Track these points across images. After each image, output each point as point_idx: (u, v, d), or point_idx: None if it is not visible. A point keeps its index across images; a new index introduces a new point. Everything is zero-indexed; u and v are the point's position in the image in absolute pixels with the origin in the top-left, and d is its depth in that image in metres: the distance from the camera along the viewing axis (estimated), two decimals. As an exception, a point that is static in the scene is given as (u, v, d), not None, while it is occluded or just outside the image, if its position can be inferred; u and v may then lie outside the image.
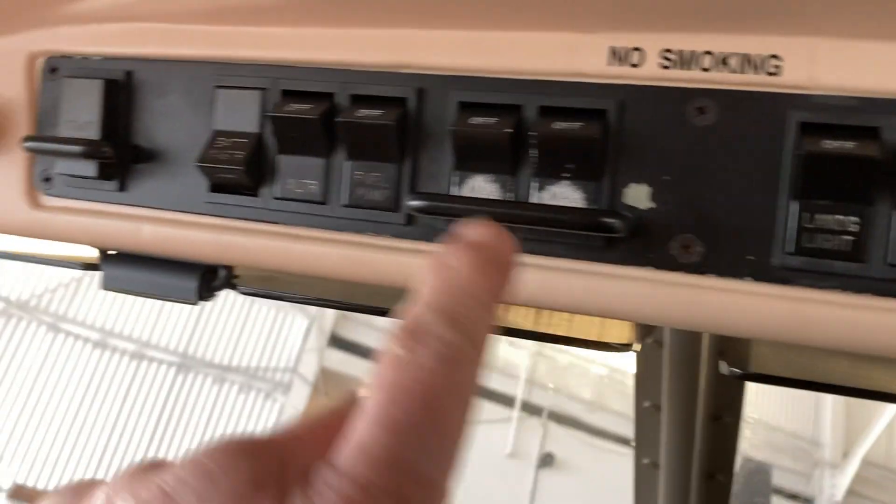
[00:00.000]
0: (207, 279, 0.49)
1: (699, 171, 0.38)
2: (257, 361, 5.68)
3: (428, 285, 0.29)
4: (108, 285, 0.50)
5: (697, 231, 0.38)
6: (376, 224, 0.43)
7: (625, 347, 0.46)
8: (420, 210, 0.40)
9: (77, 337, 5.38)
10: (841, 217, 0.36)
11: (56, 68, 0.49)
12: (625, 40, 0.39)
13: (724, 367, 0.43)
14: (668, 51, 0.38)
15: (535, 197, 0.40)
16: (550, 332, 0.48)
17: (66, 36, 0.49)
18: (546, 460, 5.90)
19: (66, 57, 0.49)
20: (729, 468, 0.67)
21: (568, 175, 0.39)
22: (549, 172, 0.39)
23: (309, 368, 5.81)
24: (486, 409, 5.41)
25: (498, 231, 0.32)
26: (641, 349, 0.56)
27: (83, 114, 0.47)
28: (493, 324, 0.30)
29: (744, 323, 0.38)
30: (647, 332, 0.49)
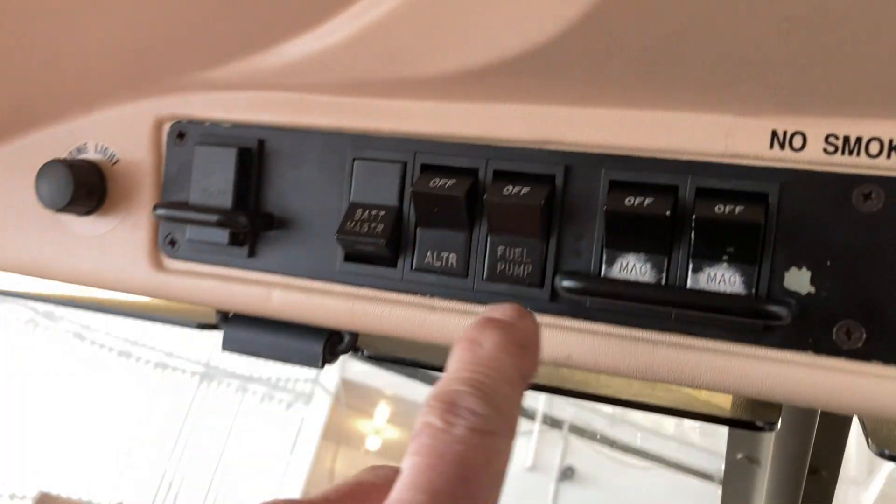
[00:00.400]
0: (332, 343, 0.49)
1: (863, 257, 0.37)
2: (279, 372, 5.69)
3: (458, 360, 0.32)
4: (229, 346, 0.50)
5: (860, 317, 0.37)
6: (518, 299, 0.42)
7: (770, 426, 0.45)
8: (573, 291, 0.40)
9: (101, 346, 5.41)
10: None
11: (184, 133, 0.49)
12: (787, 124, 0.38)
13: (873, 448, 0.42)
14: (833, 136, 0.38)
15: (691, 279, 0.39)
16: (670, 405, 0.47)
17: (195, 102, 0.49)
18: (567, 473, 5.87)
19: (194, 122, 0.49)
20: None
21: (726, 258, 0.39)
22: (707, 254, 0.39)
23: (330, 379, 5.82)
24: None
25: (523, 313, 0.35)
26: (731, 462, 0.56)
27: (215, 181, 0.47)
28: (519, 400, 0.32)
29: None
30: (766, 406, 0.48)
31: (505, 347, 0.32)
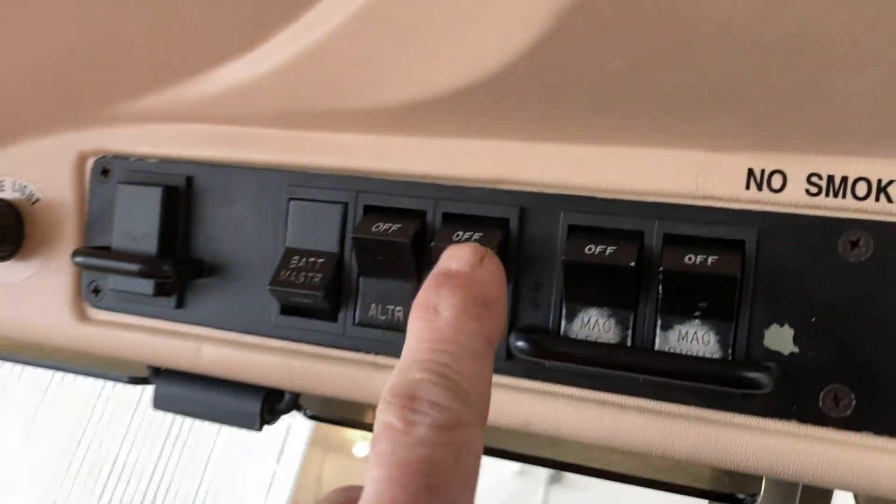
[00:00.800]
0: (271, 402, 0.44)
1: (851, 313, 0.33)
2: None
3: (414, 335, 0.28)
4: (160, 404, 0.46)
5: (849, 381, 0.33)
6: None
7: (752, 498, 0.41)
8: (526, 352, 0.35)
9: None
10: None
11: (108, 169, 0.45)
12: (765, 161, 0.34)
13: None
14: (816, 175, 0.33)
15: (659, 337, 0.35)
16: (648, 476, 0.43)
17: (120, 135, 0.44)
18: (556, 477, 5.82)
19: (119, 158, 0.45)
20: None
21: (699, 314, 0.34)
22: (678, 310, 0.35)
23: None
24: (495, 427, 5.32)
25: (481, 254, 0.31)
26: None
27: (139, 225, 0.42)
28: (489, 372, 0.28)
29: None
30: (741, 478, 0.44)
31: (465, 311, 0.28)
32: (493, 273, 0.31)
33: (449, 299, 0.29)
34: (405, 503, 0.23)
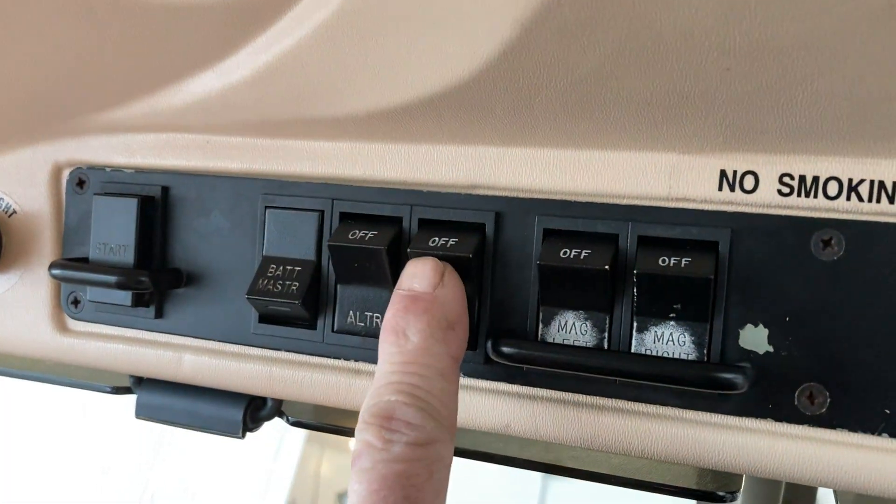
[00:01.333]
0: (253, 410, 0.44)
1: (826, 312, 0.33)
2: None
3: (386, 358, 0.31)
4: (142, 414, 0.46)
5: (824, 379, 0.33)
6: None
7: (732, 496, 0.41)
8: (504, 357, 0.35)
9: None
10: None
11: (84, 180, 0.45)
12: (737, 162, 0.34)
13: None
14: (787, 175, 0.34)
15: (635, 339, 0.35)
16: (627, 475, 0.43)
17: (95, 146, 0.44)
18: (554, 469, 5.84)
19: (94, 168, 0.44)
20: None
21: (673, 315, 0.35)
22: (653, 312, 0.35)
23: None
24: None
25: (441, 272, 0.34)
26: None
27: (116, 235, 0.42)
28: (455, 388, 0.31)
29: (879, 483, 0.33)
30: (718, 476, 0.44)
31: (432, 334, 0.31)
32: (453, 292, 0.33)
33: (416, 325, 0.31)
34: None
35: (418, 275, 0.33)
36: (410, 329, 0.31)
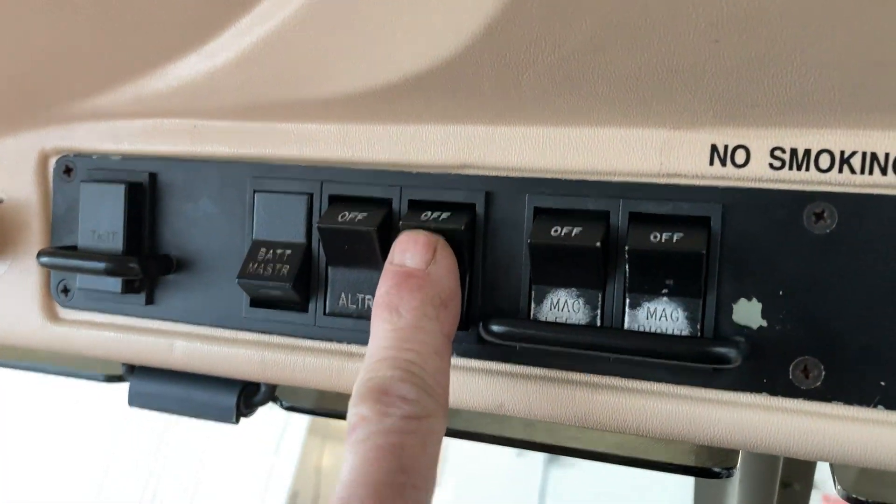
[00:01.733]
0: (247, 395, 0.44)
1: (819, 285, 0.33)
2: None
3: (380, 335, 0.31)
4: (135, 402, 0.45)
5: (818, 352, 0.33)
6: None
7: (728, 472, 0.41)
8: (496, 336, 0.35)
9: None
10: None
11: (71, 168, 0.44)
12: (728, 137, 0.34)
13: (840, 492, 0.38)
14: (779, 149, 0.33)
15: (628, 316, 0.35)
16: (625, 454, 0.43)
17: (81, 133, 0.44)
18: (554, 456, 5.85)
19: (81, 156, 0.44)
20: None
21: (666, 291, 0.34)
22: (646, 288, 0.35)
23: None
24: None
25: (433, 247, 0.34)
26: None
27: (104, 222, 0.42)
28: (448, 364, 0.32)
29: (876, 455, 0.33)
30: (717, 452, 0.44)
31: (426, 312, 0.32)
32: (446, 269, 0.34)
33: (410, 302, 0.32)
34: (380, 481, 0.26)
35: (410, 250, 0.33)
36: (404, 306, 0.31)
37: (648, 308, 0.35)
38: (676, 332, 0.34)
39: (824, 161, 0.33)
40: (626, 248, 0.33)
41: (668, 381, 0.35)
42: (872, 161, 0.32)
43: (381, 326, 0.31)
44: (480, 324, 0.36)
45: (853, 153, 0.32)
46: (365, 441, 0.27)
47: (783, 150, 0.33)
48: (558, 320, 0.36)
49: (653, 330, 0.35)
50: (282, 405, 0.47)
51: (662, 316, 0.35)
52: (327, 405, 0.50)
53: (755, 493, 0.63)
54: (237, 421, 0.43)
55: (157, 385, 0.45)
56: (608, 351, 0.34)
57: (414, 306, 0.32)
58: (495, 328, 0.35)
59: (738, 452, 0.44)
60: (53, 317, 0.45)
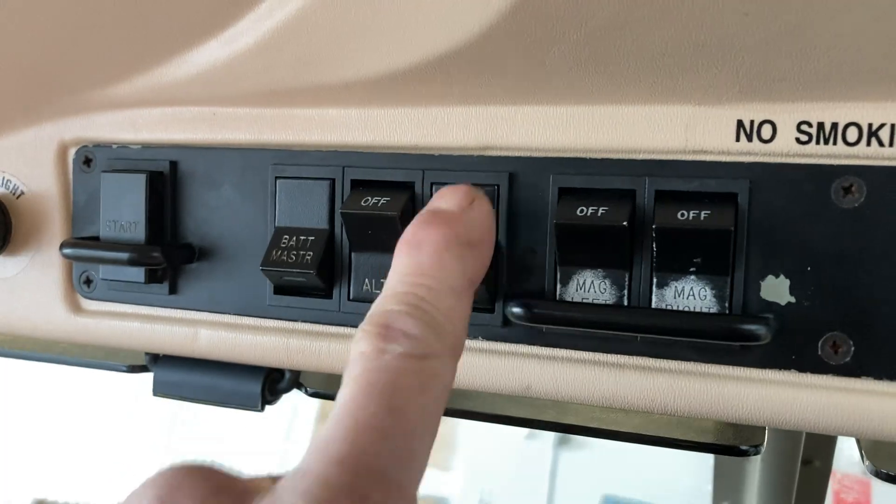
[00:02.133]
0: (272, 382, 0.44)
1: (847, 260, 0.33)
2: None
3: (396, 269, 0.29)
4: (160, 391, 0.45)
5: (847, 328, 0.33)
6: (470, 326, 0.38)
7: (755, 450, 0.41)
8: (522, 318, 0.35)
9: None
10: None
11: (90, 158, 0.44)
12: (754, 112, 0.34)
13: (868, 467, 0.38)
14: (806, 123, 0.33)
15: (656, 295, 0.35)
16: (651, 433, 0.43)
17: (100, 123, 0.44)
18: (563, 439, 5.87)
19: (101, 146, 0.44)
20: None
21: (694, 270, 0.34)
22: (673, 267, 0.34)
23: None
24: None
25: (472, 196, 0.31)
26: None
27: (126, 212, 0.42)
28: (467, 309, 0.29)
29: None
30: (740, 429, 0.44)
31: (449, 248, 0.28)
32: (482, 214, 0.31)
33: (433, 236, 0.29)
34: (361, 423, 0.23)
35: (446, 196, 0.31)
36: (426, 241, 0.29)
37: (676, 287, 0.35)
38: (704, 311, 0.34)
39: (852, 134, 0.33)
40: (653, 226, 0.33)
41: (695, 360, 0.35)
42: None
43: (399, 261, 0.29)
44: (506, 305, 0.36)
45: (881, 126, 0.32)
46: (358, 378, 0.25)
47: (810, 125, 0.33)
48: (584, 301, 0.36)
49: (680, 309, 0.34)
50: (306, 392, 0.47)
51: (690, 294, 0.34)
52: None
53: (777, 471, 0.63)
54: (262, 409, 0.43)
55: (182, 374, 0.45)
56: (635, 331, 0.34)
57: (436, 240, 0.29)
58: (520, 310, 0.35)
59: (763, 430, 0.44)
60: (77, 308, 0.45)
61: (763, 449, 0.42)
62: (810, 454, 0.61)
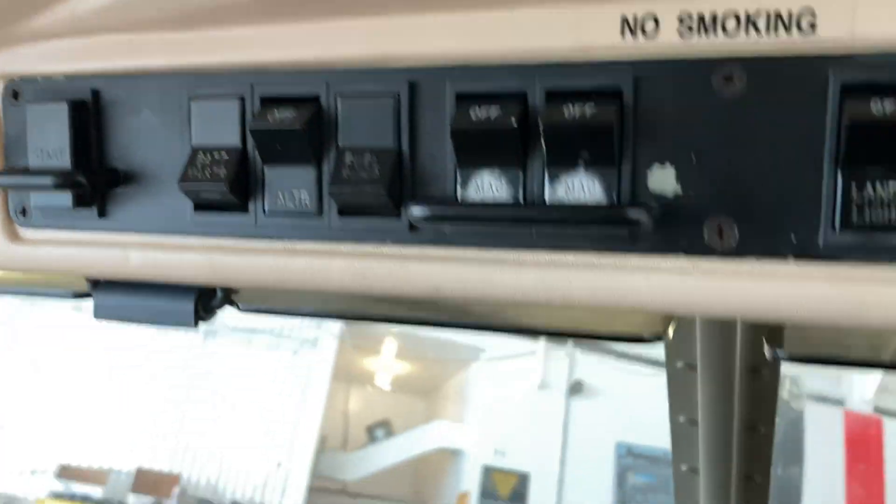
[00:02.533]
0: (205, 300, 0.46)
1: (730, 147, 0.34)
2: (281, 322, 5.69)
3: None
4: (100, 314, 0.47)
5: (731, 212, 0.34)
6: (378, 232, 0.39)
7: (657, 338, 0.42)
8: (425, 219, 0.36)
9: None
10: (894, 186, 0.32)
11: (18, 92, 0.45)
12: (637, 7, 0.34)
13: (768, 352, 0.40)
14: (687, 14, 0.34)
15: (549, 190, 0.36)
16: (571, 328, 0.44)
17: (25, 55, 0.45)
18: (576, 388, 5.93)
19: (27, 79, 0.45)
20: (766, 471, 0.65)
21: (583, 163, 0.35)
22: (563, 162, 0.35)
23: (334, 323, 5.82)
24: (511, 344, 5.46)
25: None
26: (673, 371, 0.54)
27: (52, 140, 0.43)
28: None
29: (789, 308, 0.34)
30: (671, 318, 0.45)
31: None
32: None
33: None
34: None
35: None
36: None
37: (567, 182, 0.36)
38: (594, 203, 0.35)
39: (731, 24, 0.33)
40: (541, 124, 0.34)
41: (588, 251, 0.36)
42: (777, 20, 0.33)
43: None
44: (410, 209, 0.37)
45: (758, 14, 0.33)
46: None
47: (691, 16, 0.34)
48: (484, 201, 0.37)
49: (572, 202, 0.35)
50: (239, 308, 0.49)
51: (581, 188, 0.36)
52: (283, 305, 0.52)
53: (719, 438, 0.64)
54: (196, 325, 0.45)
55: (120, 297, 0.47)
56: (529, 224, 0.35)
57: None
58: (422, 212, 0.36)
59: (667, 320, 0.45)
60: (15, 237, 0.47)
61: (669, 338, 0.44)
62: (754, 420, 0.62)
